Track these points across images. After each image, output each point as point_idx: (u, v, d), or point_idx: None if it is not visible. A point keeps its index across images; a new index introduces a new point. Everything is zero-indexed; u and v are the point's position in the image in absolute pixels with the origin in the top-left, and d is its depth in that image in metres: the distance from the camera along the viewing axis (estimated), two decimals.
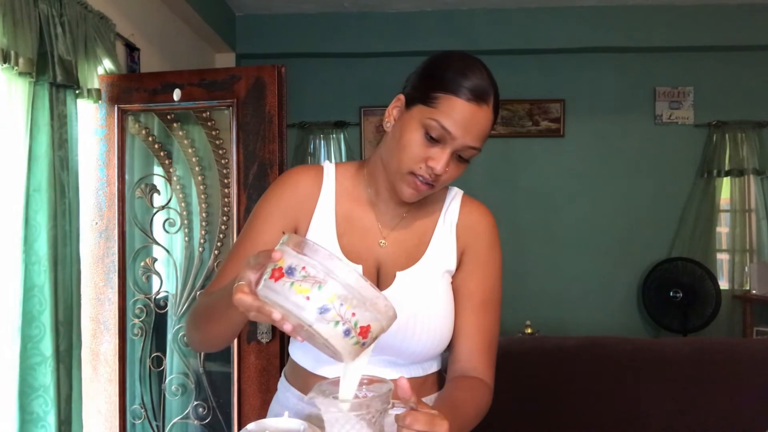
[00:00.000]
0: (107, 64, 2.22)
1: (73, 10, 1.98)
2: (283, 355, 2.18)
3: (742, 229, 4.41)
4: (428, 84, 0.97)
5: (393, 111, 1.03)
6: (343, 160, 4.40)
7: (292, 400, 1.09)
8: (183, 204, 2.34)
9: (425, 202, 1.09)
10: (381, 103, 4.36)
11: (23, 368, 1.79)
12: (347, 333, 0.71)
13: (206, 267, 2.32)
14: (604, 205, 4.44)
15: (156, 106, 2.25)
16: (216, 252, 2.30)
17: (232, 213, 2.22)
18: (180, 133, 2.34)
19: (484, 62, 1.00)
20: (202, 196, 2.33)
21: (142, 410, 2.32)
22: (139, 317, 2.31)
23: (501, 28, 4.18)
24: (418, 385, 1.05)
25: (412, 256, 1.07)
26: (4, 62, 1.67)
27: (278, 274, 0.71)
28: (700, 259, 4.25)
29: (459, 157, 0.98)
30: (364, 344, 0.74)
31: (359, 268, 1.03)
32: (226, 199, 2.28)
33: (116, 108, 2.25)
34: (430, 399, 1.07)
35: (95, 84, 2.12)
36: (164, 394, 2.34)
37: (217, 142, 2.30)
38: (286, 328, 0.73)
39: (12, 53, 1.68)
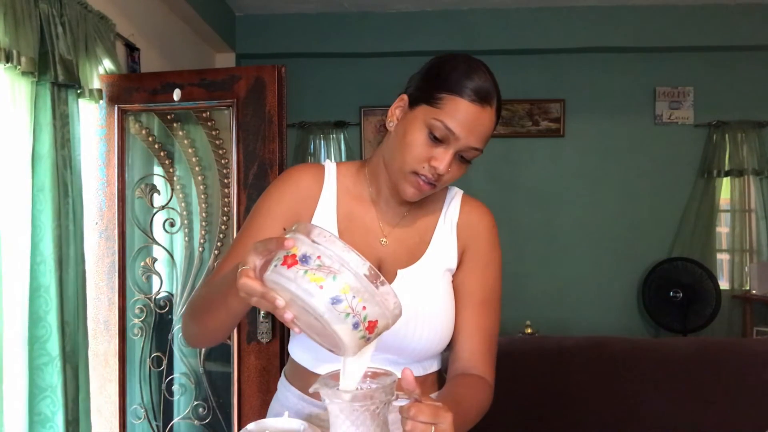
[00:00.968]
0: (107, 64, 2.22)
1: (73, 10, 1.98)
2: (283, 355, 2.18)
3: (742, 229, 4.41)
4: (433, 85, 0.98)
5: (396, 111, 1.03)
6: (343, 160, 4.40)
7: (292, 399, 1.10)
8: (183, 204, 2.34)
9: (426, 201, 1.10)
10: (381, 103, 4.36)
11: (30, 369, 1.79)
12: (356, 326, 0.71)
13: (206, 267, 2.32)
14: (604, 205, 4.44)
15: (156, 106, 2.25)
16: (216, 252, 2.30)
17: (232, 213, 2.22)
18: (180, 133, 2.34)
19: (485, 62, 1.00)
20: (202, 196, 2.33)
21: (142, 410, 2.33)
22: (139, 317, 2.31)
23: (501, 28, 4.18)
24: (418, 384, 1.05)
25: (413, 255, 1.07)
26: (7, 62, 1.67)
27: (291, 261, 0.71)
28: (700, 259, 4.25)
29: (461, 158, 0.99)
30: (368, 339, 0.74)
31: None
32: (226, 199, 2.28)
33: (116, 108, 2.25)
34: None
35: (96, 84, 2.12)
36: (164, 394, 2.34)
37: (217, 142, 2.30)
38: (287, 316, 0.73)
39: (14, 52, 1.68)
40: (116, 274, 2.25)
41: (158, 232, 2.34)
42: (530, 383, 1.95)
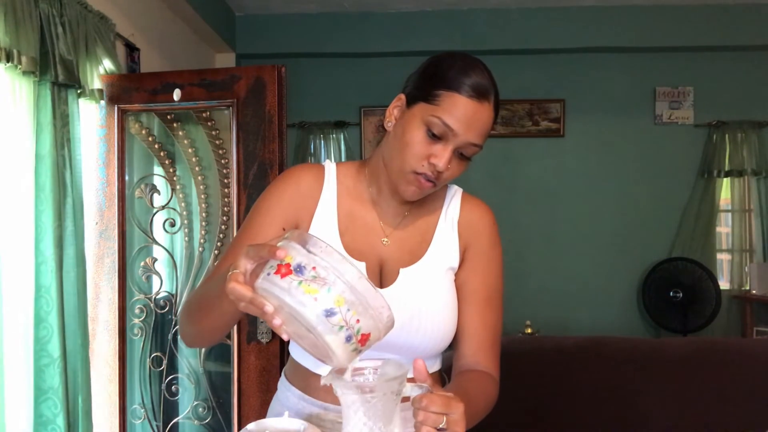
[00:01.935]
0: (107, 64, 2.22)
1: (73, 10, 1.98)
2: (283, 355, 2.18)
3: (742, 229, 4.41)
4: (430, 82, 0.98)
5: (394, 110, 1.04)
6: (343, 160, 4.40)
7: (292, 399, 1.10)
8: (183, 204, 2.34)
9: (426, 200, 1.10)
10: (381, 103, 4.36)
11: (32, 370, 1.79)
12: (348, 339, 0.71)
13: (206, 267, 2.32)
14: (604, 205, 4.44)
15: (156, 106, 2.25)
16: (216, 252, 2.30)
17: (232, 213, 2.22)
18: (180, 133, 2.34)
19: (484, 62, 1.01)
20: (202, 196, 2.33)
21: (142, 410, 2.33)
22: (139, 317, 2.31)
23: (501, 28, 4.18)
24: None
25: (414, 254, 1.08)
26: (7, 61, 1.67)
27: (285, 270, 0.70)
28: (700, 259, 4.25)
29: (461, 155, 0.99)
30: (359, 351, 0.74)
31: (363, 266, 1.04)
32: (226, 199, 2.28)
33: (116, 108, 2.25)
34: None
35: (96, 84, 2.12)
36: (164, 394, 2.34)
37: (217, 142, 2.30)
38: (275, 322, 0.72)
39: (14, 52, 1.68)
40: (116, 274, 2.25)
41: (158, 232, 2.34)
42: (530, 383, 1.95)
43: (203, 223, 2.32)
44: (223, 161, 2.29)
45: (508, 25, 4.18)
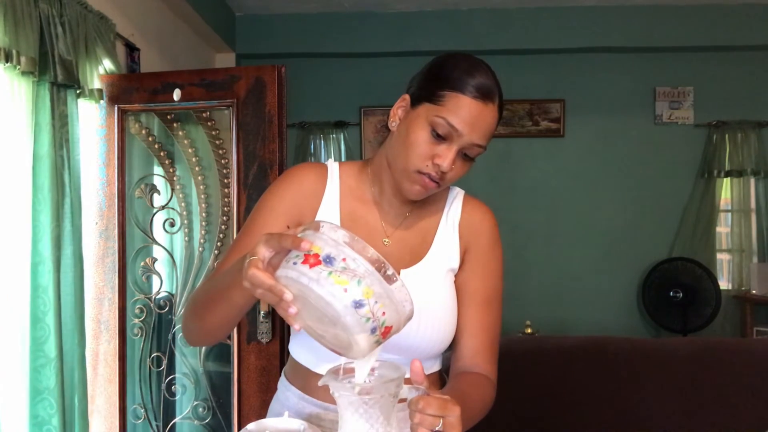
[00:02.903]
0: (107, 64, 2.22)
1: (73, 10, 1.98)
2: (283, 355, 2.18)
3: (742, 229, 4.40)
4: (435, 83, 0.99)
5: (398, 111, 1.04)
6: (343, 160, 4.40)
7: (292, 399, 1.09)
8: (183, 204, 2.34)
9: (428, 201, 1.11)
10: (381, 103, 4.36)
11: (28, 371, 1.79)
12: (373, 331, 0.71)
13: (206, 267, 2.32)
14: (604, 205, 4.44)
15: (156, 106, 2.26)
16: (216, 252, 2.30)
17: (232, 213, 2.22)
18: (180, 133, 2.34)
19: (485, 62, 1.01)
20: (202, 196, 2.33)
21: (142, 410, 2.33)
22: (139, 317, 2.31)
23: (501, 28, 4.18)
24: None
25: (415, 255, 1.08)
26: (6, 61, 1.67)
27: (314, 260, 0.70)
28: (700, 259, 4.25)
29: (464, 156, 1.00)
30: (379, 343, 0.75)
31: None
32: (226, 199, 2.28)
33: (116, 108, 2.25)
34: None
35: (96, 84, 2.12)
36: (164, 394, 2.34)
37: (217, 142, 2.30)
38: (291, 311, 0.72)
39: (14, 52, 1.68)
40: (116, 274, 2.25)
41: (158, 232, 2.34)
42: (530, 383, 1.95)
43: (203, 223, 2.32)
44: (223, 161, 2.29)
45: (508, 25, 4.18)
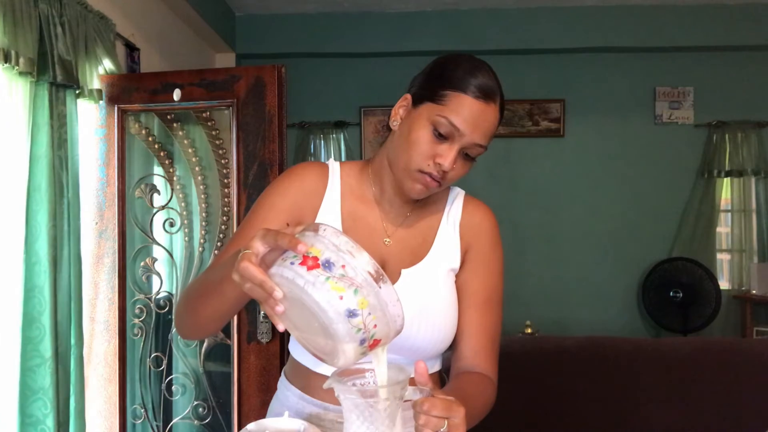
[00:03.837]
0: (107, 64, 2.22)
1: (73, 10, 1.98)
2: (283, 355, 2.18)
3: (742, 229, 4.41)
4: (437, 82, 0.99)
5: (399, 110, 1.04)
6: (344, 160, 4.40)
7: (292, 399, 1.09)
8: (183, 204, 2.34)
9: (428, 201, 1.11)
10: (381, 103, 4.36)
11: (22, 370, 1.78)
12: (362, 342, 0.71)
13: (206, 267, 2.32)
14: (604, 204, 4.44)
15: (156, 106, 2.25)
16: (216, 252, 2.30)
17: (232, 213, 2.22)
18: (180, 133, 2.34)
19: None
20: (202, 196, 2.33)
21: (142, 410, 2.32)
22: (139, 317, 2.31)
23: (501, 28, 4.18)
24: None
25: (416, 255, 1.08)
26: (5, 62, 1.66)
27: (312, 263, 0.69)
28: (700, 259, 4.25)
29: (465, 156, 1.00)
30: (364, 354, 0.74)
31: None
32: (226, 199, 2.28)
33: (116, 108, 2.25)
34: None
35: (96, 84, 2.12)
36: (164, 394, 2.34)
37: (217, 142, 2.30)
38: (278, 309, 0.71)
39: (12, 53, 1.68)
40: (116, 274, 2.25)
41: (158, 232, 2.34)
42: (530, 383, 1.95)
43: (203, 223, 2.32)
44: (223, 161, 2.29)
45: (508, 25, 4.18)
